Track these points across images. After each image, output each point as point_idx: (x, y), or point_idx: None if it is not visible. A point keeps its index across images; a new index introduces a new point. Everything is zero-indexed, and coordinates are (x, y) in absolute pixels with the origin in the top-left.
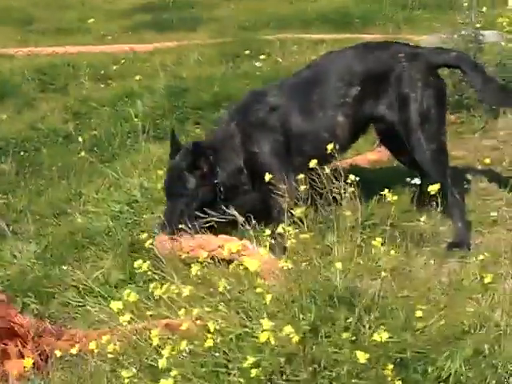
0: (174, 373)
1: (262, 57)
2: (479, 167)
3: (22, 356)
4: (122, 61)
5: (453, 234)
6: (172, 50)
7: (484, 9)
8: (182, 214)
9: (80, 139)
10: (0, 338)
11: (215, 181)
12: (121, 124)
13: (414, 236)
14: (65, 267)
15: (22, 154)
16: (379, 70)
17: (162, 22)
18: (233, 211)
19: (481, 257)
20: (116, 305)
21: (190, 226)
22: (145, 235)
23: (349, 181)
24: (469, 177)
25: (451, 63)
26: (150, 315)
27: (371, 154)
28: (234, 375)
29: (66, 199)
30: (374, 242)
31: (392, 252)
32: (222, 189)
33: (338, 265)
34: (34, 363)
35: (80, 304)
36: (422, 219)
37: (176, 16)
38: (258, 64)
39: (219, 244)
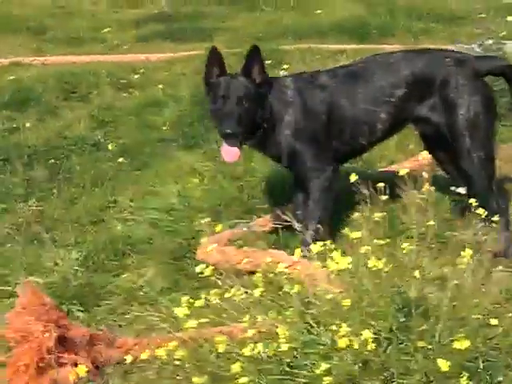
0: (242, 380)
1: (286, 66)
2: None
3: (75, 364)
4: (141, 70)
5: (498, 243)
6: (189, 59)
7: (509, 18)
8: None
9: (109, 147)
10: (54, 346)
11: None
12: (149, 132)
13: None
14: (108, 275)
15: (51, 161)
16: (425, 73)
17: (176, 31)
18: (289, 216)
19: None
20: (181, 311)
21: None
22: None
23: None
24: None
25: (498, 71)
26: (208, 322)
27: (408, 162)
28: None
29: (101, 207)
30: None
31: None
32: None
33: (416, 273)
34: (87, 371)
35: (125, 311)
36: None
37: (189, 26)
38: (282, 73)
39: (267, 258)
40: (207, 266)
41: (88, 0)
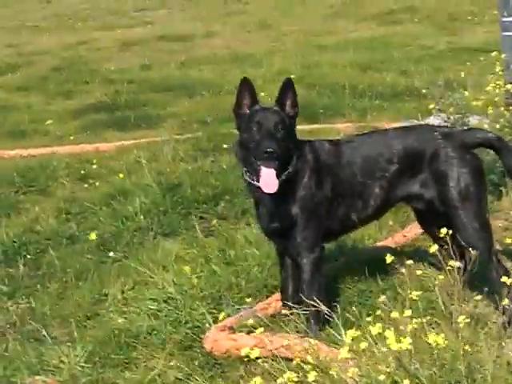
0: None
1: None
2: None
3: None
4: (95, 160)
5: (504, 314)
6: (141, 146)
7: (466, 92)
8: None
9: (89, 238)
10: None
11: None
12: (122, 222)
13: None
14: (116, 369)
15: (29, 257)
16: (416, 148)
17: (119, 120)
18: (316, 301)
19: None
20: None
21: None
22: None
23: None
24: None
25: (488, 143)
26: None
27: (397, 236)
28: None
29: (93, 301)
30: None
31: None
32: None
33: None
34: None
35: None
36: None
37: (132, 114)
38: None
39: (283, 343)
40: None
41: (19, 93)
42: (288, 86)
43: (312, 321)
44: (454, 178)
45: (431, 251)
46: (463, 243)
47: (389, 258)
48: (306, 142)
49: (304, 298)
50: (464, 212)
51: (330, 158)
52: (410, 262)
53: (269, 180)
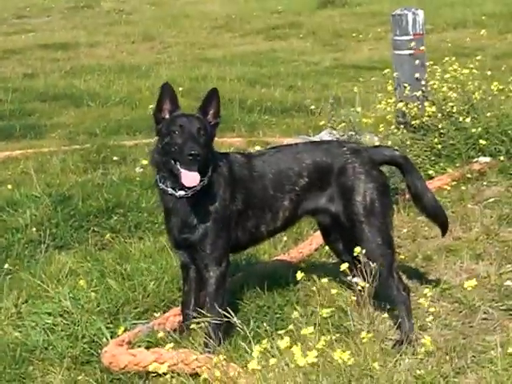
0: None
1: (144, 162)
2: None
3: None
4: None
5: (400, 331)
6: (28, 157)
7: (358, 109)
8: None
9: None
10: None
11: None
12: (13, 234)
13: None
14: None
15: None
16: (325, 162)
17: (4, 130)
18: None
19: None
20: None
21: None
22: None
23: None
24: None
25: (394, 161)
26: None
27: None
28: None
29: None
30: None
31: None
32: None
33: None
34: None
35: None
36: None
37: (17, 124)
38: (137, 169)
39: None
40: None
41: None
42: (213, 96)
43: (212, 334)
44: (360, 193)
45: (341, 269)
46: (366, 258)
47: (299, 275)
48: (220, 153)
49: (206, 311)
50: (368, 227)
51: (243, 170)
52: (323, 280)
53: (191, 176)
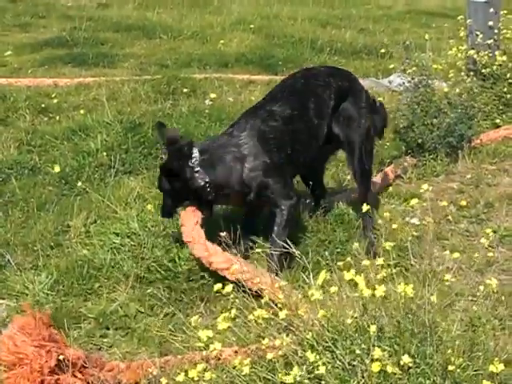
0: None
1: (213, 95)
2: (453, 209)
3: None
4: (53, 94)
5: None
6: (100, 84)
7: (430, 55)
8: None
9: (48, 171)
10: (54, 368)
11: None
12: (84, 158)
13: None
14: (79, 298)
15: None
16: (345, 86)
17: (77, 57)
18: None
19: None
20: (206, 333)
21: None
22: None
23: None
24: (449, 218)
25: None
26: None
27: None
28: None
29: (55, 231)
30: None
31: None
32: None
33: (433, 298)
34: None
35: (103, 335)
36: None
37: (90, 52)
38: (207, 102)
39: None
40: (224, 285)
41: None
42: None
43: (276, 260)
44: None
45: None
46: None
47: (365, 207)
48: None
49: (271, 241)
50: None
51: None
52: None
53: None
